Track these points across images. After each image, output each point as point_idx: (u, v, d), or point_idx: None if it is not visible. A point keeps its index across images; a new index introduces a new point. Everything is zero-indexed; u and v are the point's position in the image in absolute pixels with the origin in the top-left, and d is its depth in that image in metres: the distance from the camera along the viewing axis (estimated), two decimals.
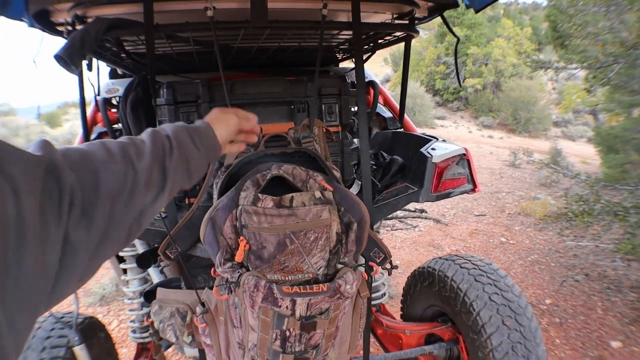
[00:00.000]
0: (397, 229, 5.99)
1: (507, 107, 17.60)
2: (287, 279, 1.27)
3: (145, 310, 2.41)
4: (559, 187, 7.79)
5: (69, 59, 1.38)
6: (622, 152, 4.67)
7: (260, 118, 1.48)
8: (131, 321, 2.49)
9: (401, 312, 2.82)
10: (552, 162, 8.10)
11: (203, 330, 1.48)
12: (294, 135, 1.63)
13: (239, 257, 1.23)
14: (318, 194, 1.32)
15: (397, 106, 2.61)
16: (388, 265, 1.59)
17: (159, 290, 1.65)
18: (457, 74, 2.39)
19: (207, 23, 1.52)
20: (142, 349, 2.53)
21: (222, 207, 1.29)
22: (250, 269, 1.26)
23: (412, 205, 7.00)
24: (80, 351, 1.88)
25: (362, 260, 1.57)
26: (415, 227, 6.11)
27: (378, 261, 1.54)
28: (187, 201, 1.74)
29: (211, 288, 1.51)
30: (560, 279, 4.33)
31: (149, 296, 1.76)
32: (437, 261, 2.42)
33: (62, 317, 2.01)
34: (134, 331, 2.47)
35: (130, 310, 2.50)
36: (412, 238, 5.71)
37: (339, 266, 1.33)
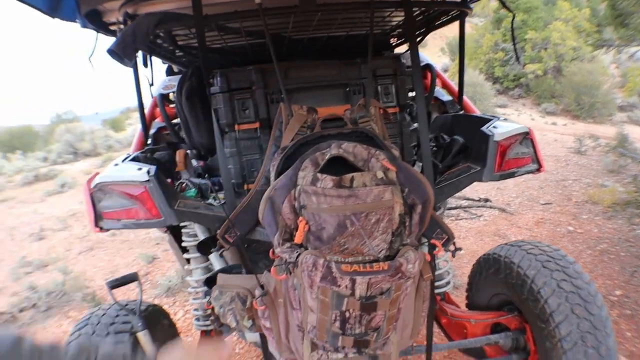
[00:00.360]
0: (461, 219, 5.91)
1: (569, 93, 16.90)
2: (346, 260, 1.25)
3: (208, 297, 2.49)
4: (627, 174, 7.43)
5: (122, 53, 1.42)
6: None
7: (316, 101, 1.49)
8: (195, 309, 2.56)
9: (466, 302, 2.77)
10: (620, 147, 7.72)
11: (262, 313, 1.50)
12: (351, 115, 1.62)
13: (298, 238, 1.24)
14: (380, 174, 1.29)
15: (456, 89, 2.56)
16: (452, 247, 1.56)
17: (220, 276, 1.69)
18: (515, 50, 2.33)
19: (256, 10, 1.53)
20: (205, 336, 2.60)
21: (280, 186, 1.29)
22: (304, 253, 1.25)
23: (476, 195, 6.89)
24: (144, 337, 1.93)
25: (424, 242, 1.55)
26: (480, 216, 6.00)
27: (441, 243, 1.51)
28: (245, 187, 1.76)
29: (270, 271, 1.52)
30: (631, 269, 4.13)
31: (210, 282, 1.80)
32: (503, 248, 2.35)
33: (126, 305, 2.07)
34: (197, 319, 2.55)
35: (194, 298, 2.58)
36: (477, 228, 5.61)
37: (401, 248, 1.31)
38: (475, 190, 7.13)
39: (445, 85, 2.75)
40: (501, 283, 2.32)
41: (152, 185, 1.60)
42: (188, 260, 2.57)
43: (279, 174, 1.39)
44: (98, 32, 1.96)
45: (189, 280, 2.51)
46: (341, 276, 1.19)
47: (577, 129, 13.13)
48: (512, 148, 2.00)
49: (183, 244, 2.42)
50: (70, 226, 7.80)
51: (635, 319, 3.39)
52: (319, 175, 1.26)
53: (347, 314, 1.24)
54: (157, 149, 2.18)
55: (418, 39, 2.28)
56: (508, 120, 2.13)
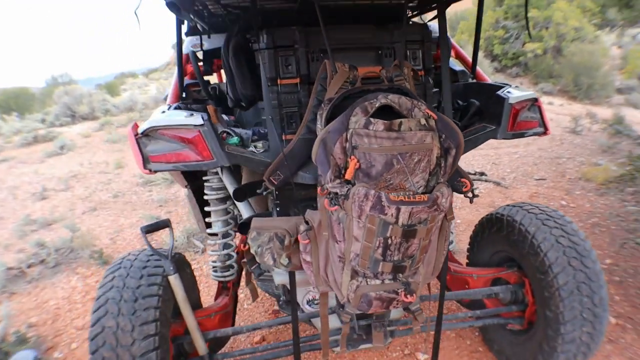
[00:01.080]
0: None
1: (568, 73, 16.93)
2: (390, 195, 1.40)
3: (226, 250, 2.64)
4: (620, 154, 7.59)
5: (181, 4, 1.53)
6: None
7: (350, 61, 1.62)
8: (213, 261, 2.71)
9: (467, 261, 2.96)
10: (615, 130, 7.87)
11: (305, 247, 1.65)
12: (387, 74, 1.75)
13: (349, 174, 1.38)
14: (423, 121, 1.44)
15: (470, 60, 2.69)
16: (470, 194, 1.78)
17: (256, 219, 1.83)
18: (529, 30, 2.49)
19: None
20: (222, 287, 2.75)
21: (332, 130, 1.44)
22: (355, 185, 1.40)
23: (472, 169, 7.05)
24: (175, 280, 2.06)
25: None
26: (476, 189, 6.14)
27: (463, 190, 1.68)
28: (283, 137, 1.90)
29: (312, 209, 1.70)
30: (621, 241, 4.30)
31: (243, 227, 1.95)
32: (506, 208, 2.55)
33: (157, 250, 2.19)
34: (215, 270, 2.69)
35: (212, 250, 2.72)
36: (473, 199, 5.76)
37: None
38: (471, 164, 7.28)
39: (459, 56, 2.88)
40: (503, 240, 2.52)
41: (206, 129, 1.74)
42: (205, 215, 2.73)
43: (327, 120, 1.54)
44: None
45: (209, 232, 2.66)
46: (389, 205, 1.35)
47: (573, 110, 13.21)
48: (523, 111, 2.20)
49: (205, 197, 2.57)
50: (72, 187, 7.90)
51: (624, 285, 3.60)
52: (371, 119, 1.40)
53: (390, 241, 1.41)
54: (188, 104, 2.30)
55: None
56: (519, 88, 2.29)
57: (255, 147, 1.92)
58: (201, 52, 2.69)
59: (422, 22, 2.61)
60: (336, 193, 1.43)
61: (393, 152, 1.39)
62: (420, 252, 1.50)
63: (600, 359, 2.84)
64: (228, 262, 2.69)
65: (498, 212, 2.61)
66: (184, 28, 3.05)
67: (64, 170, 8.94)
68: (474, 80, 2.70)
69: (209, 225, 2.78)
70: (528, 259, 2.33)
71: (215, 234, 2.66)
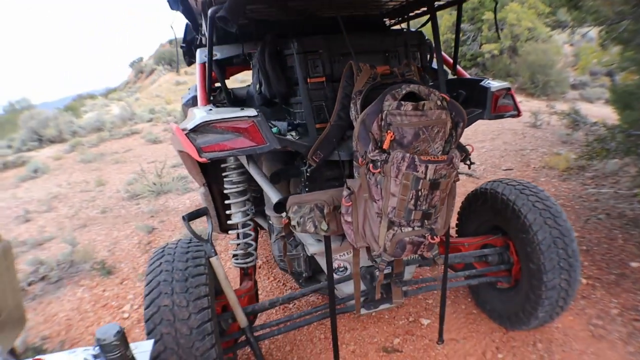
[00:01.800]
0: None
1: (524, 72, 17.72)
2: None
3: (246, 239, 2.96)
4: (579, 144, 8.15)
5: (231, 17, 1.88)
6: (637, 109, 4.99)
7: (365, 62, 2.04)
8: (234, 250, 3.02)
9: (456, 235, 3.40)
10: (572, 120, 8.44)
11: (347, 209, 2.02)
12: (399, 71, 2.17)
13: (386, 145, 1.79)
14: (439, 102, 1.85)
15: (451, 60, 3.14)
16: (468, 162, 2.23)
17: (294, 196, 2.20)
18: (497, 31, 3.01)
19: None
20: (244, 273, 3.06)
21: (370, 112, 1.84)
22: (392, 152, 1.81)
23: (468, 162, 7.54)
24: (216, 260, 2.37)
25: None
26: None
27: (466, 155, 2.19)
28: (316, 126, 2.26)
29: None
30: (585, 218, 4.81)
31: (278, 206, 2.29)
32: (488, 183, 3.02)
33: (199, 235, 2.48)
34: (236, 258, 3.01)
35: (232, 240, 3.04)
36: None
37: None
38: (474, 162, 7.75)
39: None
40: (488, 210, 2.99)
41: (260, 119, 2.08)
42: (223, 209, 3.06)
43: (362, 107, 1.95)
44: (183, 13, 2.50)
45: (230, 223, 2.98)
46: (420, 164, 1.76)
47: (532, 106, 13.91)
48: (501, 98, 2.66)
49: (225, 191, 2.90)
50: (56, 207, 7.90)
51: (590, 252, 4.10)
52: (402, 102, 1.80)
53: (420, 193, 1.82)
54: (217, 104, 2.65)
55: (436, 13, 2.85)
56: (494, 80, 2.73)
57: (292, 135, 2.28)
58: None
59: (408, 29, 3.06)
60: (375, 160, 1.82)
61: (419, 125, 1.79)
62: (440, 202, 1.91)
63: (576, 312, 3.31)
64: (248, 250, 3.01)
65: (482, 187, 3.07)
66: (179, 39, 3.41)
67: (43, 192, 8.93)
68: (456, 77, 3.13)
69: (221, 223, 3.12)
70: (511, 223, 2.79)
71: (234, 226, 2.99)
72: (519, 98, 15.71)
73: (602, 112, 12.62)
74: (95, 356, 1.63)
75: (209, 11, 2.08)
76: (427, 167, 1.77)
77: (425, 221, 1.91)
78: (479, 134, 9.55)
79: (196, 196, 7.31)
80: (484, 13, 18.77)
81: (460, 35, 19.19)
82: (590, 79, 19.42)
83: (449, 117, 1.87)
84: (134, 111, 17.66)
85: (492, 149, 8.32)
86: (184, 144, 2.04)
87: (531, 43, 18.08)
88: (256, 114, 2.08)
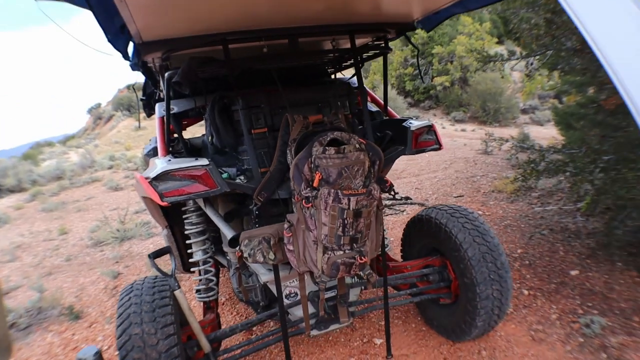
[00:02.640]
0: (388, 215, 6.79)
1: (475, 101, 18.53)
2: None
3: (207, 275, 3.18)
4: (521, 169, 8.63)
5: (185, 82, 2.19)
6: (579, 129, 5.42)
7: (301, 113, 2.37)
8: (197, 286, 3.23)
9: (401, 259, 3.70)
10: (515, 145, 8.95)
11: (288, 239, 2.30)
12: (328, 120, 2.51)
13: (315, 183, 2.10)
14: (357, 146, 2.17)
15: (382, 102, 3.51)
16: (392, 193, 2.56)
17: (245, 231, 2.47)
18: (422, 77, 3.42)
19: (265, 55, 2.49)
20: (206, 307, 3.25)
21: (302, 157, 2.16)
22: (320, 189, 2.11)
23: (398, 195, 7.88)
24: (180, 293, 2.57)
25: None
26: (403, 211, 6.92)
27: (386, 186, 2.48)
28: (261, 170, 2.55)
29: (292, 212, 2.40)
30: (529, 235, 5.17)
31: (233, 242, 2.54)
32: (424, 210, 3.36)
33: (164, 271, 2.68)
34: (199, 292, 3.21)
35: (195, 277, 3.26)
36: (402, 220, 6.50)
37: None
38: (397, 192, 8.09)
39: (374, 100, 3.68)
40: (425, 235, 3.32)
41: (211, 167, 2.36)
42: (185, 249, 3.29)
43: (296, 152, 2.26)
44: (143, 73, 2.79)
45: (191, 261, 3.20)
46: (343, 197, 2.08)
47: (483, 134, 14.49)
48: (421, 135, 3.02)
49: (186, 232, 3.13)
50: (19, 257, 7.87)
51: (533, 266, 4.43)
52: (326, 148, 2.12)
53: (346, 221, 2.12)
54: (176, 154, 2.91)
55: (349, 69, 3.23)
56: (419, 119, 3.11)
57: (240, 179, 2.57)
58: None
59: (345, 78, 3.43)
60: (308, 197, 2.13)
61: (342, 165, 2.11)
62: (365, 228, 2.21)
63: (518, 320, 3.61)
64: (210, 285, 3.22)
65: (418, 214, 3.41)
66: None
67: (5, 242, 8.86)
68: (387, 117, 3.49)
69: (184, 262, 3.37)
70: (445, 243, 3.10)
71: (196, 263, 3.21)
72: (471, 127, 16.51)
73: (551, 134, 13.25)
74: None
75: (166, 75, 2.40)
76: (349, 200, 2.09)
77: (354, 244, 2.21)
78: (432, 164, 9.98)
79: (159, 240, 7.43)
80: (433, 47, 19.61)
81: (412, 70, 20.06)
82: (539, 102, 20.32)
83: (367, 157, 2.20)
84: (94, 158, 17.61)
85: (444, 178, 8.72)
86: (147, 191, 2.29)
87: (480, 73, 18.88)
88: (208, 162, 2.38)
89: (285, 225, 2.33)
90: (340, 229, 2.13)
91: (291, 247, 2.32)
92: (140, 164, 15.09)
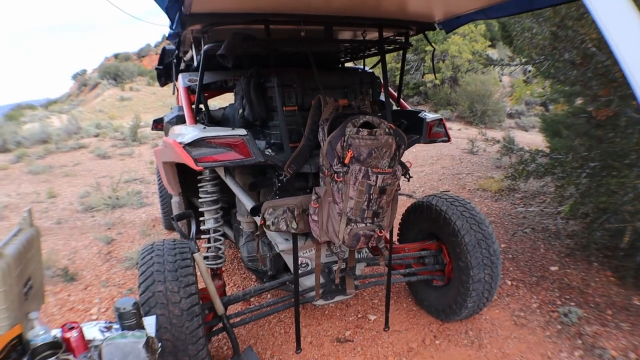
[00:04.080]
0: None
1: (464, 101, 18.75)
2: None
3: (216, 243, 3.37)
4: (510, 170, 8.90)
5: (229, 54, 2.36)
6: (565, 137, 5.66)
7: (329, 96, 2.58)
8: (206, 253, 3.39)
9: (397, 242, 3.93)
10: (502, 146, 9.22)
11: (314, 210, 2.51)
12: (356, 104, 2.71)
13: (347, 160, 2.30)
14: (387, 130, 2.39)
15: (394, 94, 3.74)
16: (408, 176, 2.77)
17: (268, 201, 2.67)
18: (434, 73, 3.64)
19: (301, 39, 2.69)
20: (214, 273, 3.41)
21: (335, 135, 2.35)
22: (351, 166, 2.31)
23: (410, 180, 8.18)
24: (199, 256, 2.75)
25: None
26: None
27: (406, 169, 2.71)
28: (290, 145, 2.72)
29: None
30: (512, 232, 5.48)
31: (254, 210, 2.74)
32: (424, 198, 3.60)
33: (175, 239, 2.86)
34: (207, 259, 3.36)
35: (205, 244, 3.44)
36: None
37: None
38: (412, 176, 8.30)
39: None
40: (424, 220, 3.56)
41: (248, 137, 2.53)
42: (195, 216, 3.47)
43: (330, 131, 2.45)
44: (175, 44, 2.94)
45: (203, 228, 3.38)
46: (372, 174, 2.30)
47: (470, 134, 14.74)
48: (434, 127, 3.27)
49: (200, 200, 3.30)
50: (7, 217, 7.85)
51: (516, 260, 4.75)
52: (360, 129, 2.33)
53: (371, 197, 2.34)
54: (203, 123, 3.08)
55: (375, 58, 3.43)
56: (430, 112, 3.38)
57: (269, 152, 2.76)
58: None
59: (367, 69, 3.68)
60: (338, 172, 2.34)
61: (372, 146, 2.33)
62: (386, 205, 2.44)
63: (502, 306, 3.90)
64: (218, 253, 3.39)
65: (419, 200, 3.65)
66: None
67: None
68: (399, 108, 3.72)
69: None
70: (443, 229, 3.35)
71: (206, 231, 3.39)
72: (458, 126, 16.79)
73: (535, 140, 13.58)
74: (106, 328, 1.98)
75: (204, 47, 2.55)
76: (377, 177, 2.32)
77: (375, 219, 2.44)
78: (419, 159, 10.20)
79: (151, 210, 7.51)
80: (427, 45, 19.72)
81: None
82: (525, 108, 20.61)
83: (394, 141, 2.42)
84: (80, 125, 17.49)
85: (431, 173, 8.98)
86: (182, 155, 2.45)
87: (471, 74, 19.10)
88: (246, 133, 2.56)
89: (313, 197, 2.53)
90: (366, 203, 2.35)
91: (316, 218, 2.52)
92: (128, 134, 15.07)
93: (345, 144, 2.33)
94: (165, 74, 4.64)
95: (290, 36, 2.77)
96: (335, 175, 2.35)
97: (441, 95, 20.15)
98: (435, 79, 12.72)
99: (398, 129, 2.49)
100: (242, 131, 2.57)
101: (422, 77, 20.21)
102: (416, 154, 10.57)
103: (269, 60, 2.67)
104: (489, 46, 22.15)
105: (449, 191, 7.62)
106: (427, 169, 9.34)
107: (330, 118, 2.53)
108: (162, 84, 4.87)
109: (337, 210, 2.43)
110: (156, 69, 4.74)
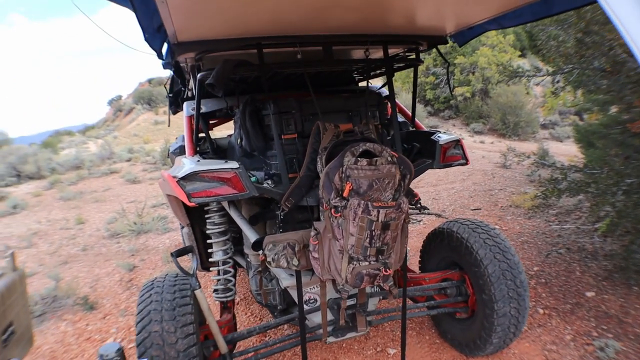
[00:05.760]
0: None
1: (495, 113, 18.36)
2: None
3: (226, 275, 3.20)
4: (545, 184, 8.57)
5: (217, 84, 2.22)
6: (600, 148, 5.39)
7: (331, 121, 2.38)
8: (215, 285, 3.25)
9: (419, 271, 3.69)
10: (536, 162, 8.90)
11: (314, 247, 2.31)
12: (359, 129, 2.51)
13: (346, 193, 2.10)
14: (389, 158, 2.19)
15: (409, 114, 3.50)
16: (418, 205, 2.55)
17: (269, 236, 2.50)
18: (451, 90, 3.42)
19: (298, 61, 2.49)
20: (223, 307, 3.27)
21: (333, 166, 2.16)
22: (350, 199, 2.10)
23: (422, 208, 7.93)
24: (200, 293, 2.59)
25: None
26: (420, 221, 6.93)
27: (414, 200, 2.48)
28: (289, 176, 2.56)
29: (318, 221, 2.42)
30: (546, 252, 5.15)
31: (256, 245, 2.57)
32: (445, 223, 3.35)
33: (178, 273, 2.74)
34: (216, 292, 3.23)
35: (213, 276, 3.29)
36: (418, 230, 6.53)
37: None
38: (426, 207, 8.06)
39: (401, 111, 3.68)
40: (446, 248, 3.31)
41: (241, 171, 2.39)
42: (205, 248, 3.32)
43: (327, 161, 2.27)
44: (173, 74, 2.80)
45: (211, 260, 3.23)
46: (372, 209, 2.07)
47: (503, 147, 14.45)
48: (449, 149, 3.03)
49: (208, 232, 3.16)
50: (36, 244, 7.94)
51: (549, 285, 4.42)
52: (358, 159, 2.14)
53: (373, 233, 2.12)
54: (203, 154, 2.94)
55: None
56: (446, 132, 3.12)
57: (268, 183, 2.60)
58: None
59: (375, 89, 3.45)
60: (337, 206, 2.13)
61: (373, 177, 2.12)
62: (392, 240, 2.21)
63: (533, 339, 3.60)
64: (228, 285, 3.23)
65: (440, 227, 3.40)
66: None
67: (22, 228, 8.96)
68: (414, 129, 3.49)
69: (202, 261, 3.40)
70: (465, 258, 3.10)
71: (215, 263, 3.23)
72: (490, 139, 16.38)
73: (570, 150, 13.16)
74: None
75: (198, 75, 2.43)
76: (379, 212, 2.09)
77: (380, 256, 2.21)
78: (450, 175, 9.95)
79: (176, 236, 7.48)
80: (455, 57, 19.49)
81: (433, 79, 20.01)
82: (559, 118, 20.10)
83: (398, 171, 2.21)
84: (113, 150, 17.80)
85: (462, 190, 8.69)
86: (175, 190, 2.32)
87: (501, 85, 18.72)
88: (238, 166, 2.41)
89: (312, 233, 2.34)
90: (368, 240, 2.13)
91: (316, 255, 2.33)
92: (159, 157, 15.24)
93: (343, 175, 2.14)
94: (175, 102, 4.57)
95: (288, 59, 2.61)
96: (334, 210, 2.16)
97: (472, 108, 19.78)
98: (451, 94, 12.41)
99: (403, 157, 2.30)
100: (235, 164, 2.42)
101: (453, 91, 19.89)
102: (447, 170, 10.26)
103: (269, 86, 2.54)
104: (520, 56, 21.72)
105: (480, 209, 7.35)
106: (458, 186, 9.08)
107: (329, 146, 2.35)
108: (174, 112, 4.80)
109: (338, 247, 2.23)
110: (167, 96, 4.68)
